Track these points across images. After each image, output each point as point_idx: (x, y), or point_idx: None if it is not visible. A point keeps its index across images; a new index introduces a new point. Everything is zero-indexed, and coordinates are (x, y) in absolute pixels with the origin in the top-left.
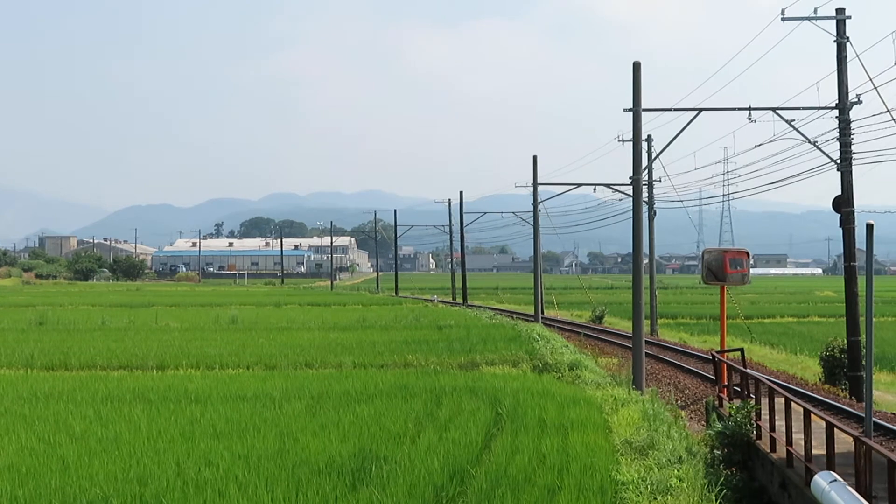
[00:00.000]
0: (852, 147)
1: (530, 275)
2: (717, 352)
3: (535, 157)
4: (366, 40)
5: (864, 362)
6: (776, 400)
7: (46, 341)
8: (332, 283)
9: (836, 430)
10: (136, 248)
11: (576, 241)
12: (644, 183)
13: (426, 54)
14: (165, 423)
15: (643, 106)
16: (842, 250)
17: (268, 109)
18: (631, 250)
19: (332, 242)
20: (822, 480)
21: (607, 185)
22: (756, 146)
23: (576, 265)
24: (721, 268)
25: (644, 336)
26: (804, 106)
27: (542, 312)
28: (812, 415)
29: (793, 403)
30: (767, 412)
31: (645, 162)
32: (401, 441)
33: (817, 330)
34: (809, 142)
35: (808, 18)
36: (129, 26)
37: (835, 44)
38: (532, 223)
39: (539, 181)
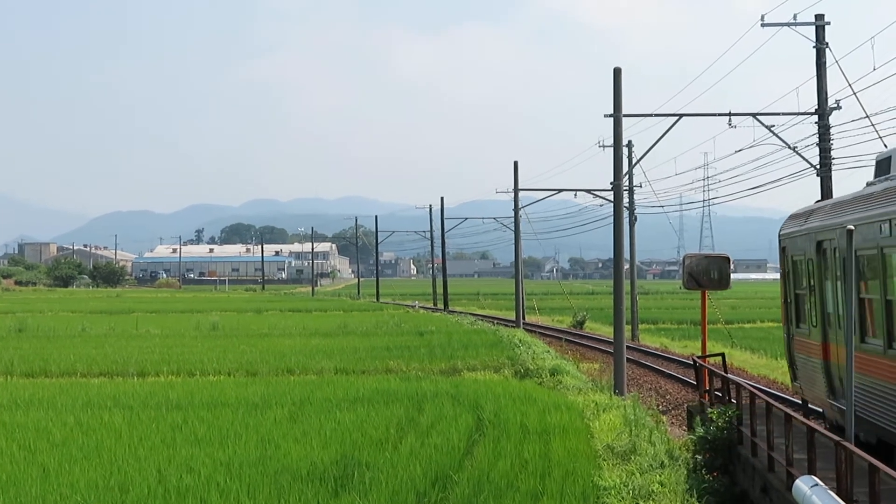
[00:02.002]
0: (832, 152)
1: (511, 280)
2: (698, 357)
3: (515, 163)
4: (349, 45)
5: None
6: (757, 404)
7: (26, 348)
8: (313, 289)
9: (816, 434)
10: (116, 255)
11: (557, 246)
12: (625, 188)
13: (409, 59)
14: (146, 430)
15: (624, 111)
16: None
17: (249, 114)
18: (611, 255)
19: (312, 248)
20: (804, 485)
21: (588, 191)
22: (736, 151)
23: (557, 271)
24: (702, 273)
25: (625, 341)
26: (784, 111)
27: (524, 318)
28: (793, 419)
29: (773, 408)
30: (748, 417)
31: (625, 167)
32: (383, 447)
33: None
34: (789, 147)
35: (788, 24)
36: (111, 30)
37: (814, 49)
38: (513, 229)
39: (520, 186)
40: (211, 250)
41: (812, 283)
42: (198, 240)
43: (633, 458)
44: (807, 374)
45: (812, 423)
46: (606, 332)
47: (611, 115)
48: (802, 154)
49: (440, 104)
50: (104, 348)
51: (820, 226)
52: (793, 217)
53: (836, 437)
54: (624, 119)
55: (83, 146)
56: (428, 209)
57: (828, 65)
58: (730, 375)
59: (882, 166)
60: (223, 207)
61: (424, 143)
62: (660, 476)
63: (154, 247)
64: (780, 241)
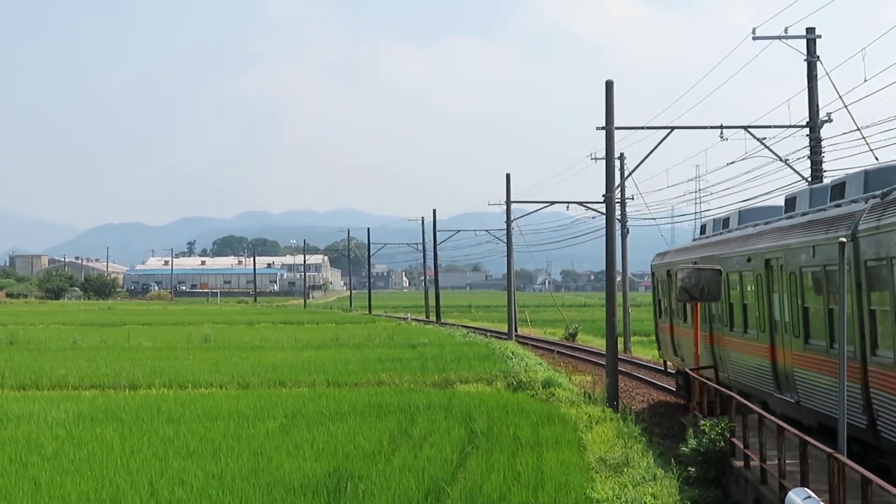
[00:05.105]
0: (823, 165)
1: (504, 292)
2: (691, 369)
3: (508, 175)
4: (341, 57)
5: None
6: (749, 416)
7: (17, 360)
8: (305, 301)
9: (809, 445)
10: (107, 267)
11: (549, 258)
12: (617, 201)
13: (401, 71)
14: (138, 443)
15: (616, 124)
16: None
17: (241, 126)
18: (604, 268)
19: (304, 261)
20: (797, 497)
21: (580, 203)
22: (728, 164)
23: (549, 283)
24: (694, 286)
25: (618, 353)
26: (775, 124)
27: (516, 330)
28: (785, 431)
29: (766, 420)
30: (741, 429)
31: (618, 180)
32: (376, 460)
33: None
34: (781, 160)
35: (779, 38)
36: (103, 41)
37: (805, 62)
38: (505, 241)
39: (512, 199)
40: (203, 263)
41: (666, 294)
42: (189, 252)
43: (625, 470)
44: (664, 345)
45: (804, 435)
46: (599, 344)
47: (603, 128)
48: (794, 167)
49: (432, 116)
50: (96, 361)
51: (669, 262)
52: (658, 255)
53: (829, 450)
54: (616, 131)
55: (74, 158)
56: (420, 221)
57: (819, 77)
58: (721, 387)
59: (703, 228)
60: (214, 220)
61: (417, 155)
62: (652, 488)
63: (146, 259)
64: (651, 269)
